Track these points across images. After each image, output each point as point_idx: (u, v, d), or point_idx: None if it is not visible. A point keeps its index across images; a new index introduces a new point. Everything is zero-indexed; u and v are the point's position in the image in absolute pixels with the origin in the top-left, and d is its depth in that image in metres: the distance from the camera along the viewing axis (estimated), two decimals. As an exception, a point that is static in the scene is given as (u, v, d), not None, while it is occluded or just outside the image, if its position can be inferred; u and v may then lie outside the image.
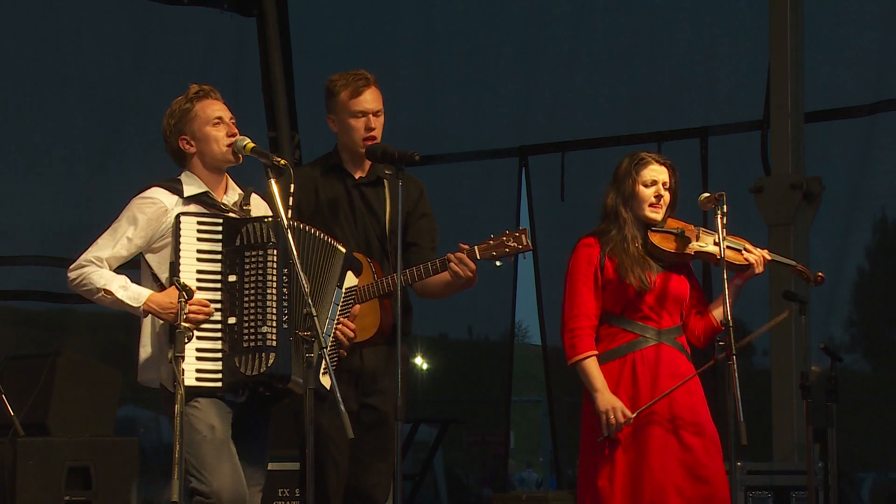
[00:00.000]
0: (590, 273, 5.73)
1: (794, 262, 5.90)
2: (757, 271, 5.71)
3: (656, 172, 5.74)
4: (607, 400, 5.60)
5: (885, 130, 10.46)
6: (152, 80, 11.10)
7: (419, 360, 14.26)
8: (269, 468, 5.30)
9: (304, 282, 4.86)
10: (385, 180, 5.74)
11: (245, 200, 5.27)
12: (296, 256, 4.89)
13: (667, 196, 5.75)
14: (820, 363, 9.11)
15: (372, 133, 5.65)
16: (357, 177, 5.75)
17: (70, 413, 7.62)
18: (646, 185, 5.72)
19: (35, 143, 11.03)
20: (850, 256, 10.73)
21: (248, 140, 5.15)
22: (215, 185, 5.24)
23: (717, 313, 5.75)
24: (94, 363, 8.02)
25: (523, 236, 5.48)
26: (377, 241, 5.69)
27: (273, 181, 4.99)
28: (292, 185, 5.06)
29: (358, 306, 5.40)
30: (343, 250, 5.30)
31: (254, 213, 5.24)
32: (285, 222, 4.94)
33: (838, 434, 7.28)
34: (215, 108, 5.23)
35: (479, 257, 5.47)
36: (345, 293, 5.28)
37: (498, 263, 5.52)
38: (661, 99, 11.23)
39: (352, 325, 5.35)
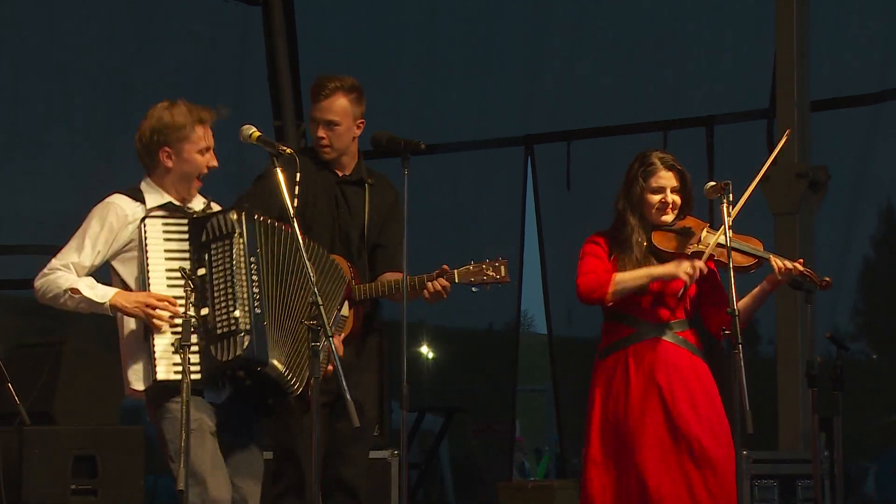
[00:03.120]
0: (599, 251, 5.80)
1: (809, 273, 5.87)
2: (780, 278, 5.72)
3: (664, 179, 5.77)
4: (667, 268, 5.66)
5: (891, 119, 10.45)
6: (156, 68, 11.10)
7: (425, 350, 14.26)
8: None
9: (311, 272, 4.86)
10: (366, 184, 5.79)
11: (208, 207, 5.27)
12: (291, 210, 4.90)
13: (676, 200, 5.79)
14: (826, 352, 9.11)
15: (321, 143, 5.73)
16: (341, 175, 5.80)
17: (76, 402, 7.63)
18: (653, 192, 5.77)
19: (39, 132, 11.03)
20: (856, 245, 10.72)
21: (254, 129, 5.14)
22: (180, 196, 5.23)
23: (741, 306, 5.75)
24: (100, 352, 8.00)
25: (502, 267, 5.64)
26: (356, 239, 5.74)
27: (279, 170, 4.99)
28: (298, 174, 5.08)
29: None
30: (347, 279, 5.34)
31: None
32: (291, 211, 4.94)
33: (844, 423, 7.28)
34: (209, 137, 5.21)
35: (457, 280, 5.60)
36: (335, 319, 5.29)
37: (474, 289, 5.65)
38: (667, 88, 11.22)
39: (341, 347, 5.36)
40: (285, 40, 11.57)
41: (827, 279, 5.86)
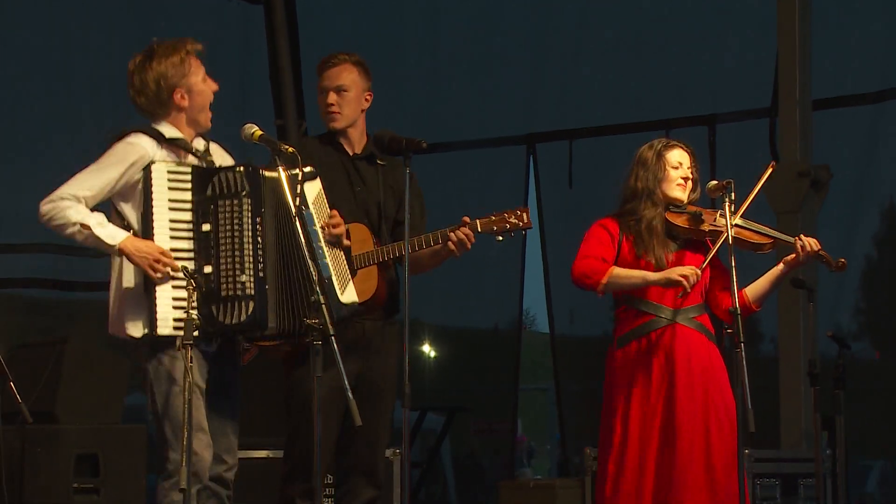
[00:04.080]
0: (604, 237, 5.84)
1: (825, 254, 5.91)
2: (801, 258, 5.78)
3: (681, 156, 5.90)
4: (664, 275, 5.69)
5: (893, 118, 10.45)
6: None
7: (427, 348, 14.26)
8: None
9: (312, 269, 4.88)
10: (378, 163, 5.84)
11: (207, 149, 5.30)
12: (293, 208, 4.92)
13: (692, 178, 5.89)
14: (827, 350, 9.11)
15: (329, 109, 5.79)
16: (352, 153, 5.84)
17: (78, 401, 7.62)
18: (674, 168, 5.87)
19: (42, 133, 11.02)
20: (858, 244, 10.72)
21: (256, 128, 5.15)
22: (194, 133, 5.28)
23: (751, 292, 5.86)
24: (102, 351, 8.00)
25: (525, 214, 5.62)
26: (373, 213, 5.77)
27: (281, 169, 5.00)
28: (300, 172, 5.09)
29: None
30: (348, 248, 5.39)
31: (218, 163, 5.27)
32: (293, 210, 4.95)
33: (846, 421, 7.28)
34: (202, 67, 5.29)
35: (479, 230, 5.60)
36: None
37: (499, 238, 5.62)
38: (669, 87, 11.22)
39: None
40: (287, 39, 11.57)
41: (842, 260, 5.90)
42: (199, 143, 5.29)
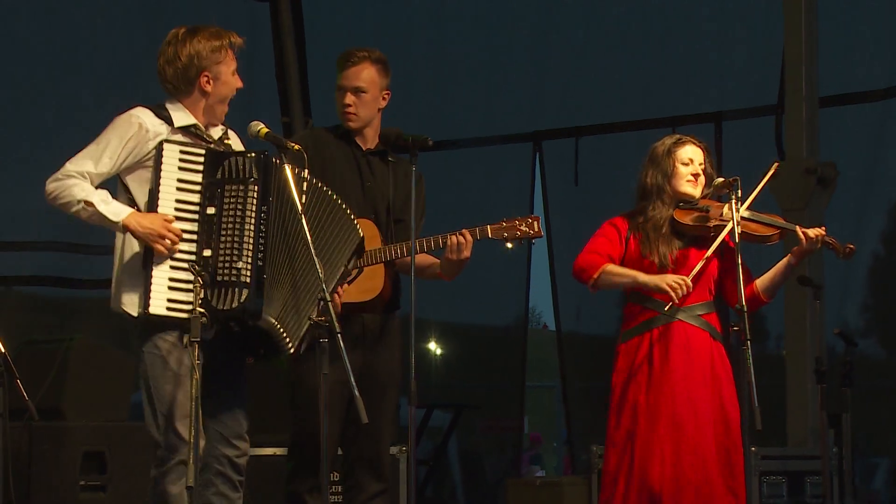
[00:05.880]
0: (612, 234, 5.87)
1: (832, 241, 5.90)
2: (804, 245, 5.77)
3: (693, 152, 5.92)
4: (654, 279, 5.70)
5: (900, 115, 10.44)
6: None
7: (433, 346, 14.26)
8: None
9: (319, 267, 4.87)
10: (389, 160, 5.81)
11: (225, 135, 5.28)
12: (299, 206, 4.91)
13: (702, 175, 5.89)
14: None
15: (347, 110, 5.74)
16: (364, 148, 5.81)
17: (85, 398, 7.62)
18: (684, 164, 5.88)
19: (47, 129, 11.02)
20: (865, 241, 10.69)
21: (262, 125, 5.15)
22: (208, 120, 5.26)
23: (761, 284, 5.87)
24: (109, 348, 8.00)
25: (535, 223, 5.59)
26: (382, 209, 5.75)
27: (287, 166, 5.00)
28: (306, 171, 5.08)
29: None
30: (360, 235, 5.31)
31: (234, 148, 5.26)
32: (299, 207, 4.94)
33: (853, 419, 7.28)
34: (235, 62, 5.28)
35: (490, 236, 5.58)
36: (340, 276, 5.29)
37: (509, 245, 5.60)
38: (676, 83, 11.21)
39: (339, 300, 5.36)
40: (293, 37, 11.58)
41: (851, 246, 5.90)
42: (215, 132, 5.27)
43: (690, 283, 5.67)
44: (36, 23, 11.00)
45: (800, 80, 9.73)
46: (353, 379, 4.79)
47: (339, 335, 4.78)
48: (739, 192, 5.65)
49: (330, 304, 4.82)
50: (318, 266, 4.88)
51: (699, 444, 5.66)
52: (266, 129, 5.13)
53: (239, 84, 5.27)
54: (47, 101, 11.08)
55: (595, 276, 5.78)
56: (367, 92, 5.74)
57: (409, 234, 5.53)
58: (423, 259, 5.69)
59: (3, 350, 5.76)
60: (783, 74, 10.06)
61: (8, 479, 6.34)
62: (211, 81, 5.20)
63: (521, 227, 5.57)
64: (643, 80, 11.34)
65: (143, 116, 5.16)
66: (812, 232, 5.76)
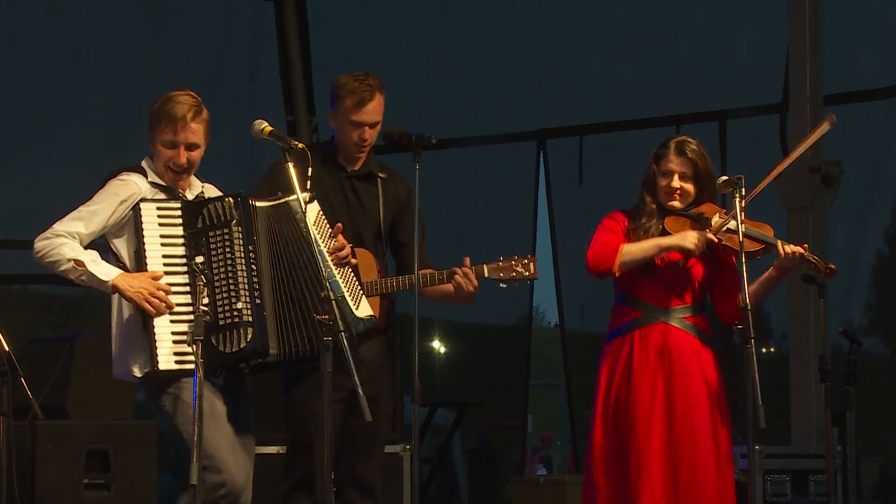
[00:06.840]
0: (615, 226, 5.83)
1: (814, 258, 5.85)
2: (782, 261, 5.70)
3: (672, 164, 5.79)
4: (675, 240, 5.68)
5: (905, 114, 10.44)
6: (169, 63, 11.11)
7: (437, 344, 14.27)
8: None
9: (322, 265, 4.89)
10: (378, 178, 5.76)
11: (201, 193, 5.30)
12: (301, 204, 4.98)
13: (685, 186, 5.79)
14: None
15: (365, 144, 5.68)
16: (349, 170, 5.76)
17: (89, 396, 7.62)
18: (662, 176, 5.80)
19: (53, 128, 11.05)
20: (869, 240, 10.70)
21: (266, 124, 5.15)
22: (166, 181, 5.26)
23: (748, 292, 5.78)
24: (113, 347, 8.00)
25: (532, 264, 5.68)
26: (371, 234, 5.71)
27: (290, 165, 5.00)
28: (310, 169, 5.09)
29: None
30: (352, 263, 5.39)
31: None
32: (303, 206, 4.97)
33: (856, 418, 7.27)
34: (183, 134, 5.19)
35: (486, 276, 5.62)
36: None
37: (502, 285, 5.66)
38: (680, 82, 11.21)
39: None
40: (297, 36, 11.57)
41: (832, 266, 5.82)
42: (192, 190, 5.28)
43: (714, 238, 5.65)
44: (41, 23, 11.02)
45: (804, 78, 9.71)
46: (356, 377, 4.78)
47: (342, 334, 4.77)
48: (743, 190, 5.61)
49: (333, 302, 4.81)
50: (320, 266, 4.89)
51: (665, 447, 5.62)
52: (270, 128, 5.14)
53: (173, 159, 5.20)
54: (52, 102, 11.11)
55: (617, 261, 5.72)
56: (379, 122, 5.69)
57: (412, 257, 5.54)
58: (435, 290, 5.68)
59: (6, 348, 5.75)
60: (787, 73, 10.05)
61: (12, 477, 6.34)
62: (150, 143, 5.24)
63: (517, 269, 5.64)
64: (647, 79, 11.34)
65: (133, 179, 5.20)
66: (790, 248, 5.68)
